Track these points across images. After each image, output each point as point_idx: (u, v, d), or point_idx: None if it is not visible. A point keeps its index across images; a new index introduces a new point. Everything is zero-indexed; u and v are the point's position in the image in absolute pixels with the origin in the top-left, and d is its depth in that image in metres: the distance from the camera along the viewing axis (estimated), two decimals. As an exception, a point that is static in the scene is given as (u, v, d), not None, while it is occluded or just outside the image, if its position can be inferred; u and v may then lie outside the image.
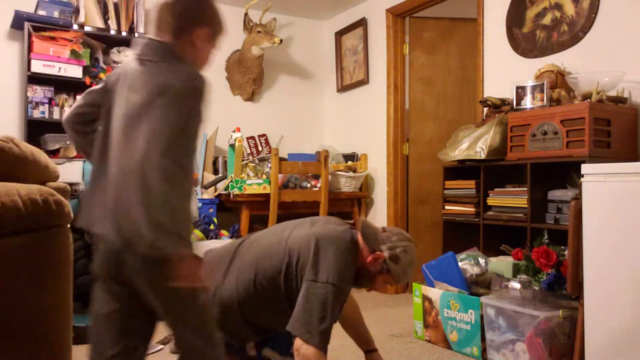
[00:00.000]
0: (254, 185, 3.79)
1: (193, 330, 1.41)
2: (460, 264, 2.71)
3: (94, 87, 1.56)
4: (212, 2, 1.48)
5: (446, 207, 3.21)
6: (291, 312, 1.79)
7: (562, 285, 2.32)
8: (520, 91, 2.83)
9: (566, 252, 2.24)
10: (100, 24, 3.87)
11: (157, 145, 1.25)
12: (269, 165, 3.92)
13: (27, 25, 3.58)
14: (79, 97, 1.59)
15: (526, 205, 2.71)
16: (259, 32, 4.29)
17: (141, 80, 1.37)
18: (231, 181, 3.81)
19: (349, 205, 4.24)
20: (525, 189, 2.72)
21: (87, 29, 3.82)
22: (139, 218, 1.22)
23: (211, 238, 3.53)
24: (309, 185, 4.00)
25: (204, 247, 2.06)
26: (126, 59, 3.28)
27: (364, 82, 4.46)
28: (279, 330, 1.93)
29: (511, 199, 2.80)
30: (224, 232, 3.69)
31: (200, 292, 1.41)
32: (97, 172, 1.41)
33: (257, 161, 4.10)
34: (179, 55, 1.44)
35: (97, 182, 1.40)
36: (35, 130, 3.63)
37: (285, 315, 1.80)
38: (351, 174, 4.17)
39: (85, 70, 3.75)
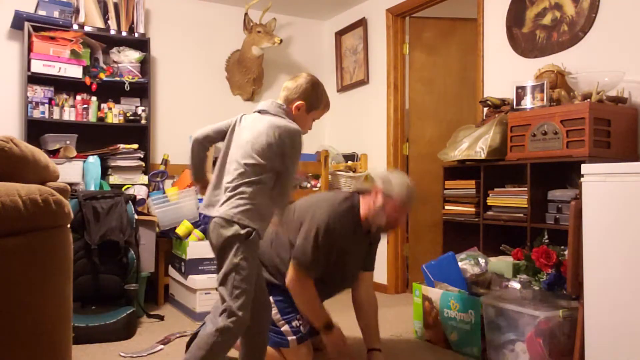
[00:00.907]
0: (254, 185, 3.78)
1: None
2: (460, 264, 2.71)
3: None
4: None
5: (446, 207, 3.21)
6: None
7: (562, 285, 2.33)
8: (520, 91, 2.83)
9: (566, 252, 2.24)
10: (100, 24, 3.87)
11: None
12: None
13: (27, 25, 3.58)
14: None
15: (526, 205, 2.71)
16: (259, 32, 4.29)
17: None
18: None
19: (349, 205, 4.23)
20: (525, 189, 2.72)
21: (87, 29, 3.82)
22: None
23: (211, 238, 3.53)
24: (309, 185, 4.00)
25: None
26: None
27: (364, 82, 4.46)
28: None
29: (511, 199, 2.81)
30: (224, 232, 3.68)
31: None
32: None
33: (257, 161, 4.10)
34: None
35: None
36: (35, 130, 3.64)
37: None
38: (351, 174, 4.17)
39: (85, 70, 3.75)
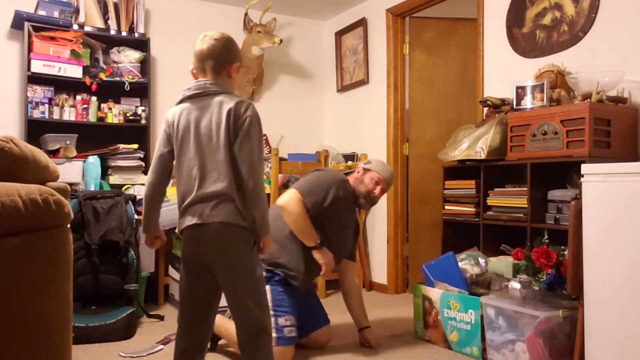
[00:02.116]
0: (254, 185, 3.78)
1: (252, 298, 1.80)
2: (460, 264, 2.71)
3: None
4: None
5: (446, 207, 3.21)
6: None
7: (562, 285, 2.32)
8: (520, 91, 2.83)
9: (566, 252, 2.24)
10: (100, 24, 3.87)
11: None
12: (269, 165, 3.92)
13: (27, 25, 3.58)
14: None
15: (526, 205, 2.71)
16: (259, 32, 4.29)
17: None
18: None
19: (349, 205, 4.24)
20: (525, 189, 2.72)
21: (87, 29, 3.82)
22: None
23: (211, 238, 3.53)
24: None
25: None
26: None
27: (364, 82, 4.46)
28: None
29: (511, 199, 2.81)
30: (224, 232, 3.68)
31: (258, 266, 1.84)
32: None
33: (257, 161, 4.10)
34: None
35: None
36: (35, 130, 3.64)
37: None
38: (351, 174, 4.17)
39: (85, 70, 3.75)
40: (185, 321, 1.90)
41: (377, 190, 2.75)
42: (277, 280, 2.54)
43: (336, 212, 2.65)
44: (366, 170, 2.76)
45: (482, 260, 2.71)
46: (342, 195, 2.65)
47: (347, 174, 2.82)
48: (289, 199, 2.56)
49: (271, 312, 2.38)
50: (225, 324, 2.59)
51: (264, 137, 4.56)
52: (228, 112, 1.78)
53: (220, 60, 1.86)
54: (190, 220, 1.83)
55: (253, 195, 1.77)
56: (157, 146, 1.93)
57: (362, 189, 2.73)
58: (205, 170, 1.80)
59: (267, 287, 2.46)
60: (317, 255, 2.58)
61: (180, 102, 1.91)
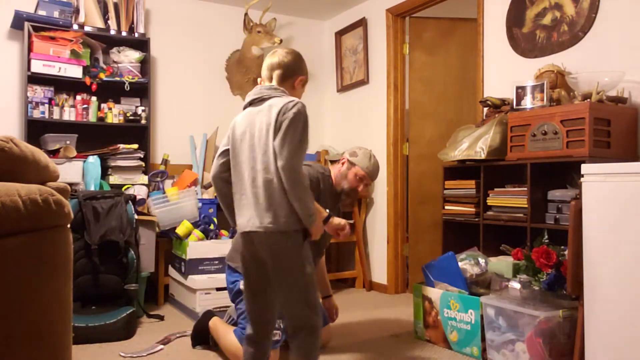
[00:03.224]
0: (254, 185, 3.78)
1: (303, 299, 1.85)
2: (460, 264, 2.71)
3: None
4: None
5: (446, 207, 3.21)
6: None
7: (562, 285, 2.33)
8: (520, 91, 2.83)
9: (566, 252, 2.24)
10: (100, 24, 3.87)
11: None
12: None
13: (27, 25, 3.58)
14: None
15: (526, 205, 2.71)
16: (259, 32, 4.29)
17: None
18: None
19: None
20: (525, 189, 2.72)
21: (87, 29, 3.82)
22: None
23: (211, 238, 3.54)
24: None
25: None
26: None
27: (364, 82, 4.46)
28: None
29: (511, 199, 2.81)
30: (224, 232, 3.69)
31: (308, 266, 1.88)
32: None
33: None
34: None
35: None
36: (35, 130, 3.64)
37: None
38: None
39: (85, 70, 3.75)
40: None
41: (361, 187, 2.68)
42: None
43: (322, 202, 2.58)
44: (351, 164, 2.64)
45: (482, 260, 2.71)
46: (322, 189, 2.59)
47: (333, 162, 2.75)
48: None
49: None
50: (222, 328, 2.60)
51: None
52: (277, 112, 1.85)
53: (288, 70, 1.99)
54: (245, 226, 1.89)
55: (289, 187, 1.81)
56: (217, 153, 2.03)
57: (345, 185, 2.64)
58: (256, 171, 1.87)
59: None
60: (334, 222, 2.31)
61: (244, 108, 2.04)
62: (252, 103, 1.99)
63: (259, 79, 2.07)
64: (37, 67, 3.58)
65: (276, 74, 1.99)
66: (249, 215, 1.86)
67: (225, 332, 2.54)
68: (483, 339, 2.51)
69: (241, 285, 2.43)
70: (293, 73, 2.00)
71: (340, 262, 4.69)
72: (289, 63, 1.99)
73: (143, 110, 3.96)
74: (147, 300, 3.56)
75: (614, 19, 2.71)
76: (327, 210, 2.33)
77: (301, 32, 4.91)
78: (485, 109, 3.25)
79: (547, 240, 2.49)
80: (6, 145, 1.40)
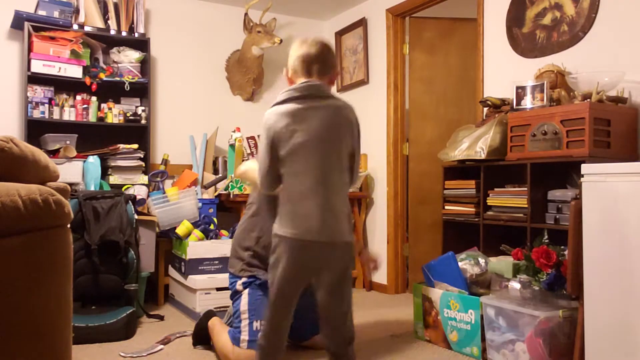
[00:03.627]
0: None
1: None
2: (460, 264, 2.71)
3: None
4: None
5: (446, 207, 3.21)
6: None
7: (562, 285, 2.32)
8: (520, 91, 2.83)
9: (566, 252, 2.24)
10: (100, 24, 3.87)
11: None
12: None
13: (27, 25, 3.58)
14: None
15: (526, 205, 2.71)
16: (259, 32, 4.29)
17: None
18: (231, 181, 3.81)
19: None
20: (525, 189, 2.72)
21: (87, 29, 3.82)
22: None
23: (211, 238, 3.54)
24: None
25: None
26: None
27: (364, 82, 4.46)
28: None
29: (511, 199, 2.81)
30: (224, 232, 3.69)
31: None
32: None
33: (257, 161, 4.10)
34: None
35: None
36: (35, 130, 3.64)
37: None
38: (351, 174, 4.16)
39: (85, 70, 3.76)
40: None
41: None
42: (258, 284, 2.49)
43: None
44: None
45: (482, 260, 2.71)
46: None
47: None
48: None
49: (246, 317, 2.40)
50: (217, 328, 2.59)
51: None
52: (347, 117, 1.81)
53: (327, 64, 1.87)
54: (316, 235, 1.72)
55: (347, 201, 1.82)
56: (263, 156, 1.83)
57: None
58: (326, 177, 1.74)
59: (245, 292, 2.48)
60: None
61: (283, 102, 1.81)
62: (299, 98, 1.80)
63: (285, 70, 1.91)
64: (37, 67, 3.58)
65: (315, 68, 1.86)
66: (320, 222, 1.69)
67: (219, 332, 2.54)
68: (483, 339, 2.51)
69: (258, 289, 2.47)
70: (332, 67, 1.92)
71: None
72: (327, 55, 1.90)
73: (143, 110, 3.96)
74: (147, 300, 3.56)
75: (614, 19, 2.71)
76: None
77: (301, 32, 4.90)
78: (485, 109, 3.25)
79: (547, 240, 2.49)
80: (6, 145, 1.40)
